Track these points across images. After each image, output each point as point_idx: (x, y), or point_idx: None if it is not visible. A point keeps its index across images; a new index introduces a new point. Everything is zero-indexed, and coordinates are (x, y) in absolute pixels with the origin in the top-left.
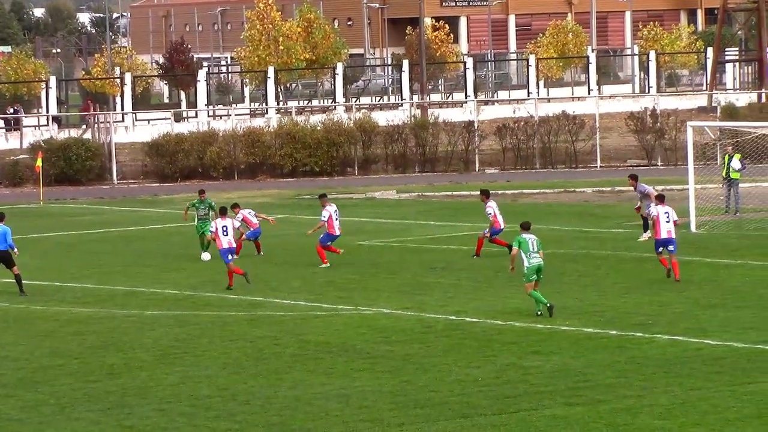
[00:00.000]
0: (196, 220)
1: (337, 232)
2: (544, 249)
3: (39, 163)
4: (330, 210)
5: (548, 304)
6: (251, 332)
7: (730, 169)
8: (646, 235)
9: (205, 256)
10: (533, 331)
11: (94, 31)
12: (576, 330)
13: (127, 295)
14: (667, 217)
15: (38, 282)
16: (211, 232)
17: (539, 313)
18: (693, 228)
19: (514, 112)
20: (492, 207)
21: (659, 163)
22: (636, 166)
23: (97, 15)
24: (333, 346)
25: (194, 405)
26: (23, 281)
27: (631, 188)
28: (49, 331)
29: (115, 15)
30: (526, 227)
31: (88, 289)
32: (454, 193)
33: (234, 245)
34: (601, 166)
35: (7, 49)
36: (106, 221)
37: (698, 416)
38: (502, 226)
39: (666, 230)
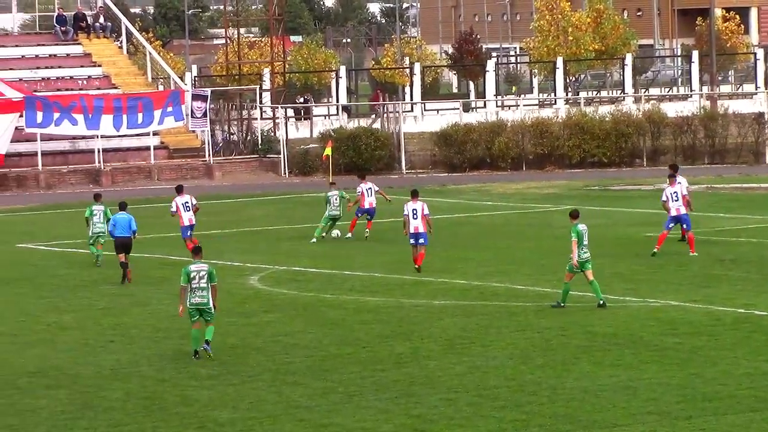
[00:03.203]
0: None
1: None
2: None
3: (328, 152)
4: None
5: (601, 301)
6: (538, 323)
7: None
8: None
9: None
10: None
11: (384, 21)
12: None
13: (415, 285)
14: None
15: (327, 270)
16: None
17: (561, 304)
18: None
19: None
20: None
21: None
22: None
23: (387, 5)
24: (620, 338)
25: (481, 395)
26: (314, 269)
27: None
28: (338, 319)
29: (404, 5)
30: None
31: (377, 278)
32: (744, 185)
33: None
34: None
35: (299, 38)
36: (394, 210)
37: None
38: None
39: None
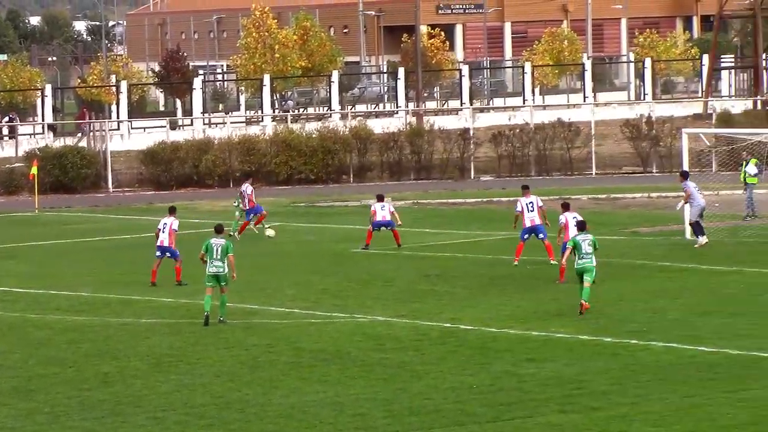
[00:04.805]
0: None
1: None
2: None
3: (34, 171)
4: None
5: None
6: (246, 340)
7: (746, 174)
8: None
9: None
10: (528, 339)
11: (90, 39)
12: (571, 337)
13: (122, 304)
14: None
15: (33, 290)
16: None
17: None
18: (687, 235)
19: (509, 119)
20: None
21: (654, 170)
22: (631, 173)
23: (93, 23)
24: (327, 353)
25: (188, 413)
26: (19, 289)
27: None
28: (44, 339)
29: (111, 23)
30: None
31: (84, 297)
32: (449, 200)
33: None
34: (596, 174)
35: (3, 57)
36: (102, 229)
37: (693, 423)
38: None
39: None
